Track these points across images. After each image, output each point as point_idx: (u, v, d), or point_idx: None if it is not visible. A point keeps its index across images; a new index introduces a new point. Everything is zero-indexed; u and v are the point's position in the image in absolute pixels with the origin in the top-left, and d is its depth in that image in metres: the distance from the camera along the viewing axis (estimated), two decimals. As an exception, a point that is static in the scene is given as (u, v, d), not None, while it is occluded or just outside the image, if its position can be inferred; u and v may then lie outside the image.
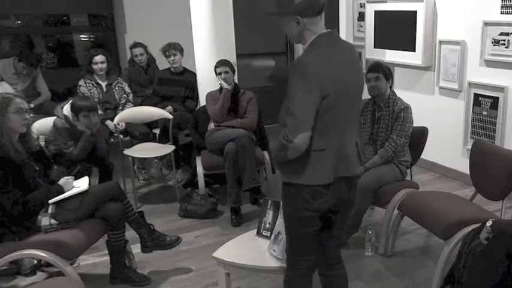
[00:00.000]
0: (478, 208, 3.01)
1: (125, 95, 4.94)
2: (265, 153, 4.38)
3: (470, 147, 3.36)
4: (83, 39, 6.89)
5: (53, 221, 2.79)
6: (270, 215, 2.75)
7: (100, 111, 4.59)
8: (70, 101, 3.75)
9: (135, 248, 3.30)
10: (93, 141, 3.78)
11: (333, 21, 6.51)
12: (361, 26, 5.66)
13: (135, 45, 5.35)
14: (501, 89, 4.14)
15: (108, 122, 4.70)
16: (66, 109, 3.72)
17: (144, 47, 5.35)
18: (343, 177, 2.09)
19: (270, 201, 2.78)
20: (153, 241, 3.17)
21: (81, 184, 3.02)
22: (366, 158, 3.53)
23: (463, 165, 4.32)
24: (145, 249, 3.20)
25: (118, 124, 4.55)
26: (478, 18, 4.22)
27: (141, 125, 4.80)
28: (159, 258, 3.42)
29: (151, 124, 5.04)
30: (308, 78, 1.90)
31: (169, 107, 4.98)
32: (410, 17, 4.83)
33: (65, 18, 6.63)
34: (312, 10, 1.97)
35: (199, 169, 4.25)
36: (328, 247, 2.29)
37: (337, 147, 2.04)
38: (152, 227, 3.21)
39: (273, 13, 2.03)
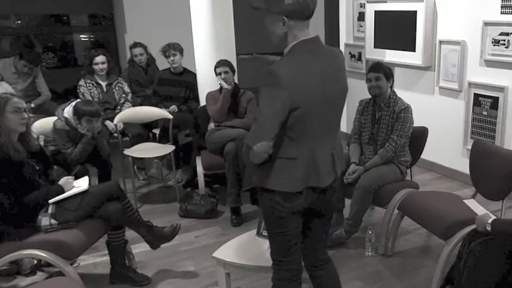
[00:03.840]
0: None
1: (124, 95, 4.93)
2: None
3: (470, 147, 3.36)
4: (83, 39, 6.91)
5: (53, 221, 2.79)
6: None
7: (99, 112, 4.59)
8: (72, 104, 3.74)
9: (135, 248, 3.30)
10: (94, 144, 3.78)
11: (333, 21, 6.52)
12: (361, 26, 5.66)
13: (135, 45, 5.35)
14: (501, 89, 4.14)
15: (108, 122, 4.69)
16: (67, 111, 3.71)
17: (144, 47, 5.35)
18: (314, 187, 2.06)
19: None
20: (154, 236, 3.18)
21: (81, 184, 3.02)
22: (365, 158, 3.54)
23: (463, 165, 4.32)
24: (153, 245, 3.19)
25: (117, 124, 4.55)
26: (478, 18, 4.22)
27: (135, 126, 4.79)
28: (159, 258, 3.42)
29: (151, 124, 5.04)
30: (278, 90, 1.87)
31: (174, 106, 4.99)
32: (410, 17, 4.82)
33: (65, 18, 6.64)
34: (300, 14, 1.92)
35: (199, 169, 4.25)
36: (312, 249, 2.27)
37: (308, 158, 2.01)
38: (150, 223, 3.20)
39: (259, 8, 1.96)
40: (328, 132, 2.08)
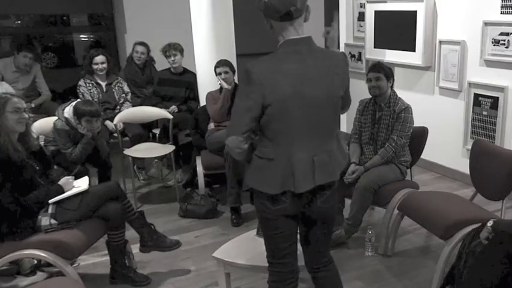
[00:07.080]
0: (478, 208, 3.01)
1: (124, 95, 4.93)
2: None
3: (470, 147, 3.36)
4: (83, 39, 6.90)
5: (53, 221, 2.79)
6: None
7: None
8: (72, 104, 3.74)
9: (135, 248, 3.30)
10: (94, 144, 3.78)
11: (333, 21, 6.52)
12: (361, 26, 5.66)
13: (141, 43, 5.37)
14: (501, 89, 4.14)
15: (108, 122, 4.70)
16: (67, 111, 3.71)
17: (148, 49, 5.37)
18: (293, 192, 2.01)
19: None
20: (153, 241, 3.17)
21: (81, 184, 3.02)
22: (365, 158, 3.54)
23: (463, 165, 4.32)
24: (144, 248, 3.19)
25: (117, 124, 4.54)
26: (478, 18, 4.22)
27: (135, 126, 4.80)
28: (159, 258, 3.41)
29: (151, 124, 5.04)
30: (249, 87, 1.91)
31: (173, 107, 5.00)
32: (410, 17, 4.82)
33: (65, 18, 6.64)
34: (270, 14, 1.91)
35: (199, 169, 4.25)
36: (313, 251, 2.25)
37: (285, 160, 1.98)
38: (153, 227, 3.20)
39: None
40: (310, 137, 2.00)
